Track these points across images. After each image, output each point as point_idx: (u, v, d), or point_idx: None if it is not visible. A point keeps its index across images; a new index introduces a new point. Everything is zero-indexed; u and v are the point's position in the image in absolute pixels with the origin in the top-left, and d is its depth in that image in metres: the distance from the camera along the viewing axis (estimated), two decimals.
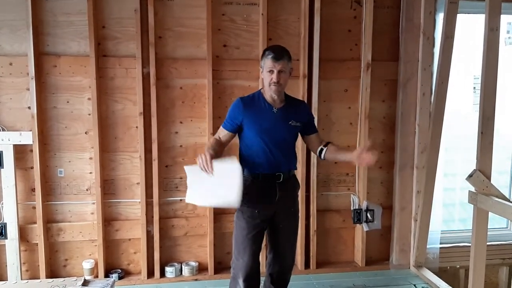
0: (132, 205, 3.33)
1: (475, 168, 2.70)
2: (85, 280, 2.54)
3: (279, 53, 2.32)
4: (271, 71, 2.32)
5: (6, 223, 3.11)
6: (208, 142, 2.42)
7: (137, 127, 3.24)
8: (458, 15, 3.20)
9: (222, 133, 2.44)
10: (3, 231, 3.11)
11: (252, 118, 2.38)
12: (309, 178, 3.43)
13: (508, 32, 3.90)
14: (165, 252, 3.38)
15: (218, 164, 2.14)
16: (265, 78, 2.38)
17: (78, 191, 3.26)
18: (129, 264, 3.41)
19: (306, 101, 3.28)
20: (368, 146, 2.28)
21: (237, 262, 2.47)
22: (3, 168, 3.08)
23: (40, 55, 3.10)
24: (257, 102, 2.42)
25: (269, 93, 2.40)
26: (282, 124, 2.41)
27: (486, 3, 2.66)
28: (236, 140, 2.51)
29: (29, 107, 3.10)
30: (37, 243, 3.19)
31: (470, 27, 3.56)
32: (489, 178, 2.68)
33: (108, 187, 3.28)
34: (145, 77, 3.20)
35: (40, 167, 3.12)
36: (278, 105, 2.43)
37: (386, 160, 3.59)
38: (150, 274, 3.34)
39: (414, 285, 3.30)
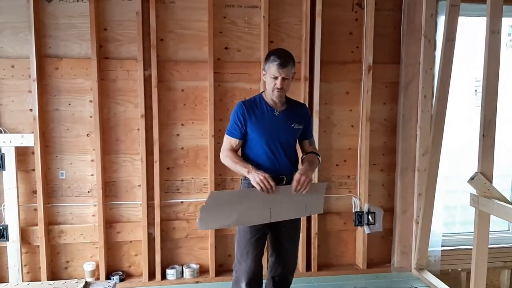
0: (134, 207, 3.33)
1: (476, 170, 2.70)
2: (86, 282, 2.54)
3: (284, 60, 2.31)
4: (275, 77, 2.32)
5: (7, 225, 3.11)
6: (233, 157, 2.37)
7: (138, 129, 3.24)
8: (459, 17, 3.20)
9: (234, 143, 2.42)
10: (5, 233, 3.11)
11: (255, 121, 2.39)
12: (310, 180, 3.42)
13: (509, 34, 3.89)
14: (166, 254, 3.38)
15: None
16: (268, 83, 2.38)
17: (80, 193, 3.26)
18: (130, 266, 3.41)
19: (307, 104, 3.28)
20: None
21: (240, 266, 2.47)
22: (4, 170, 3.09)
23: (42, 58, 3.11)
24: (259, 105, 2.43)
25: (271, 97, 2.41)
26: (284, 127, 2.41)
27: (487, 6, 2.66)
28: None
29: (31, 109, 3.11)
30: (38, 245, 3.19)
31: (471, 30, 3.55)
32: (490, 180, 2.68)
33: (110, 189, 3.29)
34: (147, 80, 3.20)
35: (42, 169, 3.12)
36: (279, 108, 2.44)
37: (387, 163, 3.59)
38: (151, 276, 3.34)
39: (416, 287, 3.30)
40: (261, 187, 2.21)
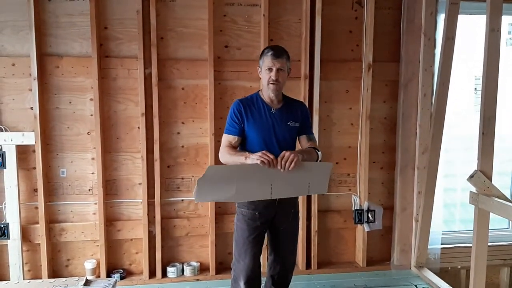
0: (134, 205, 3.34)
1: (476, 168, 2.71)
2: (87, 280, 2.55)
3: (278, 51, 2.33)
4: (270, 69, 2.33)
5: (8, 223, 3.13)
6: (229, 150, 2.36)
7: (139, 127, 3.25)
8: (459, 15, 3.20)
9: (233, 140, 2.41)
10: (6, 231, 3.12)
11: (252, 119, 2.39)
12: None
13: (509, 32, 3.90)
14: (167, 252, 3.40)
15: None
16: (263, 77, 2.38)
17: (80, 192, 3.27)
18: (131, 264, 3.42)
19: (307, 102, 3.29)
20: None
21: (238, 265, 2.47)
22: (5, 168, 3.10)
23: (43, 56, 3.11)
24: (255, 103, 2.43)
25: (267, 93, 2.41)
26: (281, 125, 2.41)
27: (487, 4, 2.66)
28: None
29: (31, 108, 3.12)
30: (39, 243, 3.20)
31: (471, 28, 3.56)
32: (490, 178, 2.68)
33: (110, 188, 3.30)
34: (147, 78, 3.21)
35: (43, 168, 3.13)
36: (276, 105, 2.44)
37: (387, 161, 3.59)
38: (152, 274, 3.35)
39: (415, 285, 3.31)
40: (263, 161, 2.16)
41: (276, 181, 2.23)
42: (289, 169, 2.18)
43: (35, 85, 3.07)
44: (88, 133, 3.24)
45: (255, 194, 2.27)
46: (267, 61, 2.33)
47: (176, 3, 3.22)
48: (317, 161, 2.44)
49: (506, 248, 3.77)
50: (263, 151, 2.20)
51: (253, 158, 2.20)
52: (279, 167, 2.19)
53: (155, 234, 3.32)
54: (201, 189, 2.16)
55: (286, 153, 2.20)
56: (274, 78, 2.32)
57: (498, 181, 2.94)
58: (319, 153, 2.46)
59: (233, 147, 2.41)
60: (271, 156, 2.18)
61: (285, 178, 2.22)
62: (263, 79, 2.39)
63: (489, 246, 2.76)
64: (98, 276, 3.28)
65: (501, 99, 2.76)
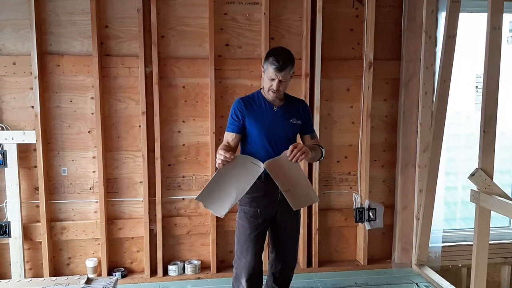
0: (135, 203, 3.35)
1: (477, 167, 2.71)
2: (88, 278, 2.56)
3: (283, 63, 2.29)
4: (272, 79, 2.33)
5: (10, 222, 3.13)
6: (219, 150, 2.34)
7: (140, 126, 3.25)
8: (460, 14, 3.20)
9: (230, 137, 2.42)
10: (7, 229, 3.13)
11: (253, 116, 2.40)
12: (311, 177, 3.44)
13: (510, 30, 3.89)
14: (168, 250, 3.40)
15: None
16: (265, 82, 2.39)
17: (82, 190, 3.27)
18: (132, 263, 3.43)
19: (308, 100, 3.30)
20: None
21: (240, 262, 2.47)
22: (6, 167, 3.10)
23: (43, 55, 3.12)
24: (257, 101, 2.44)
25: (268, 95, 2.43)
26: (283, 122, 2.42)
27: (488, 2, 2.66)
28: None
29: (32, 106, 3.12)
30: (40, 242, 3.21)
31: (472, 26, 3.55)
32: (491, 177, 2.69)
33: (111, 186, 3.30)
34: (148, 77, 3.21)
35: (44, 166, 3.14)
36: (277, 103, 2.45)
37: (388, 159, 3.59)
38: (153, 272, 3.35)
39: (416, 283, 3.31)
40: (220, 163, 2.14)
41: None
42: (297, 160, 2.19)
43: (36, 83, 3.07)
44: (89, 132, 3.24)
45: (251, 178, 2.23)
46: (270, 71, 2.32)
47: (177, 2, 3.22)
48: (321, 157, 2.47)
49: (507, 246, 3.77)
50: (218, 153, 2.16)
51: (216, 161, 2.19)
52: (288, 154, 2.18)
53: (156, 233, 3.33)
54: (208, 206, 2.26)
55: (299, 145, 2.21)
56: (275, 88, 2.34)
57: (499, 179, 2.94)
58: (323, 150, 2.48)
59: (229, 145, 2.40)
60: (222, 153, 2.14)
61: (279, 167, 2.21)
62: (265, 84, 2.39)
63: (490, 244, 2.77)
64: (99, 275, 3.29)
65: (502, 97, 2.76)
